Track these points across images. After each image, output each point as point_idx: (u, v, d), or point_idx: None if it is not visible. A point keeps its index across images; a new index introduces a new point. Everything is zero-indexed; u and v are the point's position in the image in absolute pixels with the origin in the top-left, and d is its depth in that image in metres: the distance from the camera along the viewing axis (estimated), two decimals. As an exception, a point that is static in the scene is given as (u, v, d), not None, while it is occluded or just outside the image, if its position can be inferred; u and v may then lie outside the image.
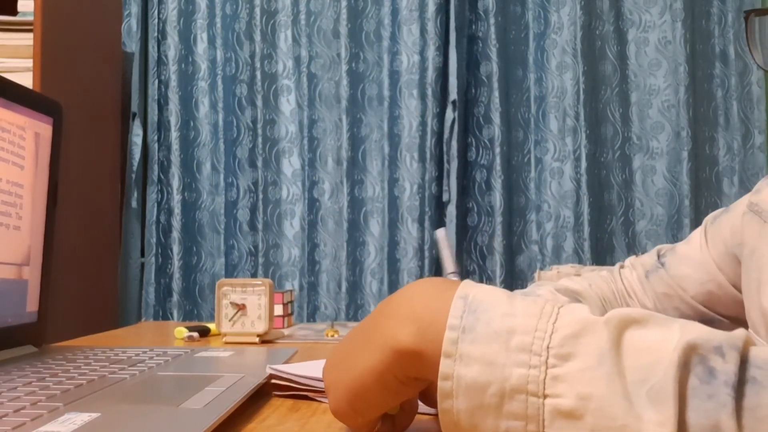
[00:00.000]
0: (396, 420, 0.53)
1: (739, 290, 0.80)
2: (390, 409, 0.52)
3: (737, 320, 0.82)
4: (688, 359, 0.38)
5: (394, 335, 0.45)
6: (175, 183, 2.40)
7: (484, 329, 0.41)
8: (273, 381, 0.68)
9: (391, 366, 0.45)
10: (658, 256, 0.89)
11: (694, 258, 0.84)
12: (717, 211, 0.87)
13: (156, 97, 2.42)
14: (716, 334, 0.39)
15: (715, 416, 0.36)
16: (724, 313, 0.83)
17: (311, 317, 2.34)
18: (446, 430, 0.42)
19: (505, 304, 0.43)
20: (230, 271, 2.40)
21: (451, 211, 2.35)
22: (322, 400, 0.64)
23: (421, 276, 2.29)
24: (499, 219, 2.31)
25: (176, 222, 2.39)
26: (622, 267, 0.92)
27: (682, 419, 0.37)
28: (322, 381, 0.62)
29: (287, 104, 2.42)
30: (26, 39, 1.81)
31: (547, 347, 0.40)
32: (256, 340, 1.06)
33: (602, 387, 0.38)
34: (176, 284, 2.38)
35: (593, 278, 0.91)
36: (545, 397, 0.39)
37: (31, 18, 1.81)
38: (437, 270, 2.33)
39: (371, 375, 0.46)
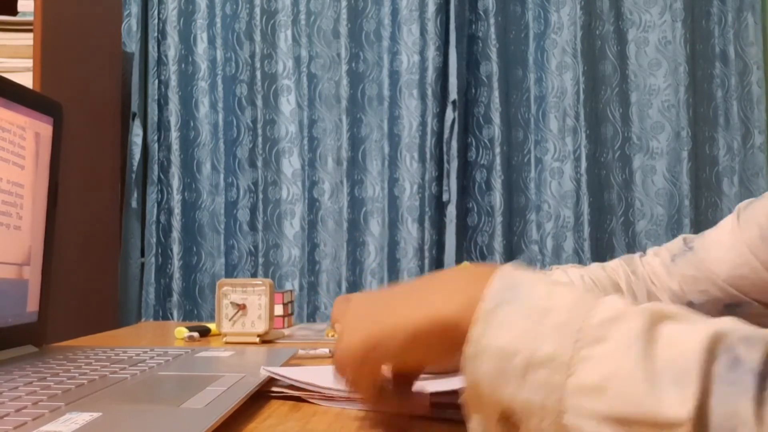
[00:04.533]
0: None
1: None
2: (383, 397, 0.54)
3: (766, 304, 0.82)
4: (715, 347, 0.38)
5: (437, 305, 0.46)
6: (175, 183, 2.40)
7: (519, 305, 0.42)
8: (272, 383, 0.67)
9: (427, 329, 0.46)
10: (685, 242, 0.89)
11: (725, 242, 0.84)
12: (749, 199, 0.87)
13: (156, 97, 2.42)
14: (745, 326, 0.40)
15: (735, 402, 0.36)
16: (756, 296, 0.83)
17: (311, 317, 2.34)
18: (466, 394, 0.43)
19: (544, 286, 0.43)
20: (230, 271, 2.40)
21: (451, 211, 2.35)
22: (319, 403, 0.64)
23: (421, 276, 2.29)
24: (499, 219, 2.31)
25: (176, 222, 2.39)
26: (642, 255, 0.92)
27: (704, 403, 0.37)
28: (317, 386, 0.63)
29: (287, 104, 2.42)
30: (26, 39, 1.81)
31: (579, 329, 0.40)
32: (257, 340, 1.06)
33: (627, 368, 0.38)
34: (176, 284, 2.38)
35: (592, 268, 0.90)
36: (569, 375, 0.39)
37: (31, 18, 1.81)
38: (437, 270, 2.32)
39: (402, 330, 0.47)
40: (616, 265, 0.91)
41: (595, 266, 0.91)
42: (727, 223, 0.86)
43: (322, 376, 0.69)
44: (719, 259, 0.84)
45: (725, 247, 0.84)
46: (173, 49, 2.41)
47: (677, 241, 0.90)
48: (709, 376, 0.37)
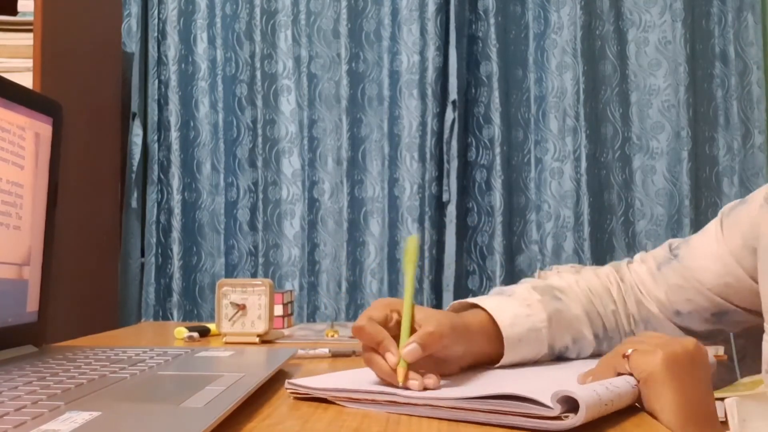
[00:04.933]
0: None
1: (758, 282, 0.80)
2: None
3: (754, 312, 0.82)
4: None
5: None
6: (175, 183, 2.40)
7: None
8: (292, 393, 0.67)
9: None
10: (670, 249, 0.88)
11: (710, 250, 0.84)
12: (733, 202, 0.86)
13: (156, 97, 2.42)
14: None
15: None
16: (741, 304, 0.83)
17: (311, 317, 2.34)
18: None
19: None
20: (230, 271, 2.40)
21: (451, 211, 2.34)
22: (341, 404, 0.64)
23: (421, 276, 2.29)
24: (499, 219, 2.31)
25: (176, 222, 2.39)
26: (630, 262, 0.92)
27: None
28: (343, 390, 0.63)
29: (287, 104, 2.42)
30: (26, 39, 1.81)
31: None
32: (256, 340, 1.06)
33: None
34: (176, 284, 2.38)
35: (587, 274, 0.90)
36: None
37: (31, 18, 1.81)
38: (437, 270, 2.33)
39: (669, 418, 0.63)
40: (607, 272, 0.91)
41: (590, 272, 0.91)
42: (711, 230, 0.86)
43: (347, 379, 0.69)
44: (704, 268, 0.84)
45: (710, 255, 0.84)
46: (173, 49, 2.41)
47: (663, 248, 0.89)
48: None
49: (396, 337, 0.67)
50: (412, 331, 0.68)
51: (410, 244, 0.73)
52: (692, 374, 0.64)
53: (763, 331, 0.78)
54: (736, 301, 0.83)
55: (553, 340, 0.80)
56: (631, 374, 0.65)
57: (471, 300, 0.81)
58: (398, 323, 0.69)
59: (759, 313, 0.79)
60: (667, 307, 0.86)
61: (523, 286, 0.84)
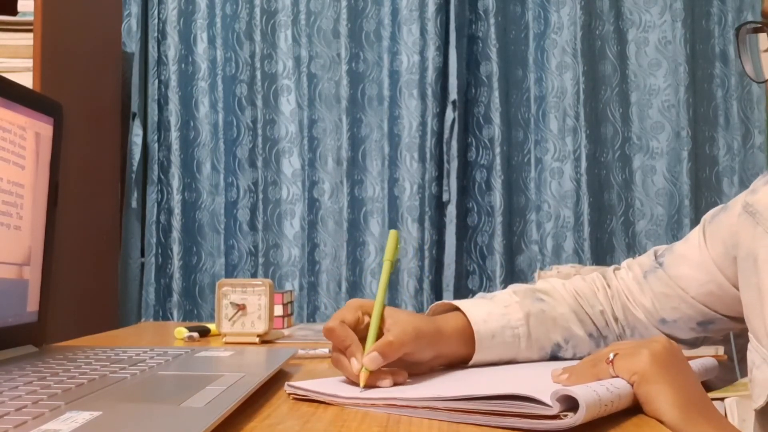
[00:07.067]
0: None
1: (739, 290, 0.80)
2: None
3: (738, 319, 0.82)
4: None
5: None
6: (175, 183, 2.40)
7: None
8: (291, 394, 0.67)
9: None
10: (656, 257, 0.88)
11: (693, 258, 0.84)
12: (715, 209, 0.86)
13: (156, 97, 2.42)
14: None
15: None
16: (725, 312, 0.83)
17: (311, 317, 2.34)
18: None
19: None
20: (230, 271, 2.40)
21: (451, 211, 2.34)
22: (345, 405, 0.64)
23: (421, 276, 2.29)
24: (499, 219, 2.31)
25: (176, 222, 2.39)
26: (617, 269, 0.92)
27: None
28: (342, 398, 0.63)
29: (287, 104, 2.42)
30: (26, 39, 1.81)
31: None
32: (256, 340, 1.06)
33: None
34: (176, 284, 2.38)
35: (574, 279, 0.91)
36: None
37: (31, 18, 1.81)
38: (437, 270, 2.33)
39: (668, 411, 0.61)
40: (594, 277, 0.91)
41: (576, 278, 0.91)
42: (693, 238, 0.86)
43: (346, 382, 0.69)
44: (688, 276, 0.84)
45: (693, 263, 0.84)
46: (173, 49, 2.41)
47: (648, 256, 0.90)
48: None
49: (365, 340, 0.69)
50: (380, 335, 0.70)
51: (389, 240, 0.74)
52: (679, 367, 0.65)
53: None
54: (720, 310, 0.83)
55: (539, 339, 0.81)
56: (616, 378, 0.64)
57: (450, 302, 0.82)
58: (368, 326, 0.71)
59: (743, 321, 0.79)
60: (653, 314, 0.86)
61: (505, 291, 0.85)
